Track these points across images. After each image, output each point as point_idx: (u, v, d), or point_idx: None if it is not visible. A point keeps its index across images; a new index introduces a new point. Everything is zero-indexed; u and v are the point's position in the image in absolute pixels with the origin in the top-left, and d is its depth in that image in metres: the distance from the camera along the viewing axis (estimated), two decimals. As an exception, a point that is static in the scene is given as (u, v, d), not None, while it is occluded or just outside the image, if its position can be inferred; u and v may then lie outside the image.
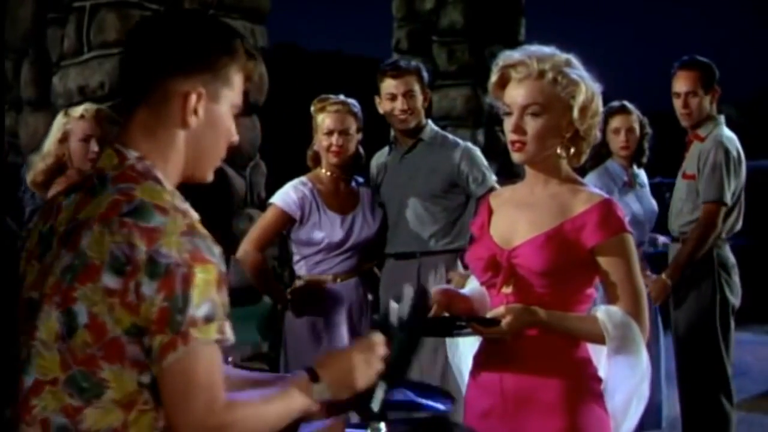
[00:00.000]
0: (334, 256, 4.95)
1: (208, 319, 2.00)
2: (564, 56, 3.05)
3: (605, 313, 2.98)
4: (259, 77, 7.05)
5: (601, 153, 5.84)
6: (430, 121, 5.27)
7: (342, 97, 5.02)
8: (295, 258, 5.07)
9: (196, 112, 2.16)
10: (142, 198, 2.04)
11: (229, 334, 2.05)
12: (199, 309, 1.98)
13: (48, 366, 2.03)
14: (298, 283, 5.02)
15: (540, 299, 2.99)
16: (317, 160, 5.07)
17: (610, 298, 3.03)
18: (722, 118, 5.68)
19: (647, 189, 6.02)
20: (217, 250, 2.06)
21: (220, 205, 5.18)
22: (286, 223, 4.96)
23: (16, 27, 6.92)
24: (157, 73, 2.16)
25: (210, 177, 2.28)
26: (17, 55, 7.02)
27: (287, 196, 4.95)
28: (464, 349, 3.34)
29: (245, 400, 2.13)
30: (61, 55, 6.52)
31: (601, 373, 3.09)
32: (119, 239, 1.98)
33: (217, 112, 2.21)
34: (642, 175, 6.02)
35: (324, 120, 4.94)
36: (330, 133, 4.92)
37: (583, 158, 3.13)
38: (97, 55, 6.18)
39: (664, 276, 5.57)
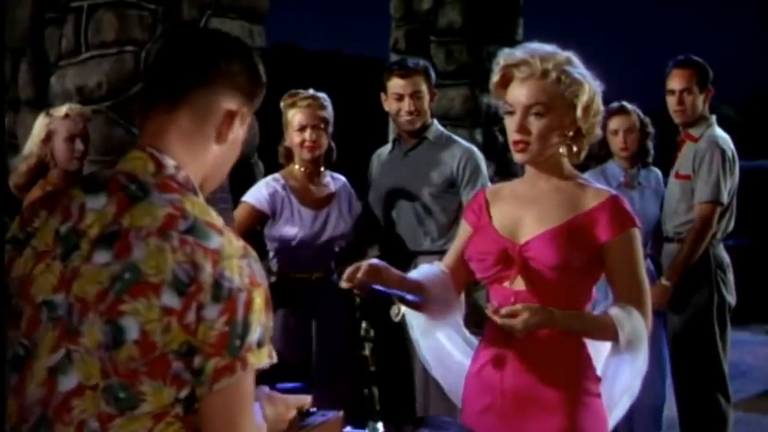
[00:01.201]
0: (307, 252, 4.93)
1: (260, 344, 2.01)
2: (565, 54, 3.07)
3: (623, 312, 3.01)
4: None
5: (601, 154, 5.85)
6: (435, 121, 5.26)
7: (312, 91, 5.00)
8: (270, 254, 5.06)
9: (234, 130, 2.19)
10: (195, 215, 2.03)
11: (275, 357, 2.07)
12: (255, 334, 2.00)
13: (91, 372, 2.00)
14: (272, 279, 5.00)
15: (550, 294, 3.00)
16: (290, 156, 5.05)
17: (618, 293, 3.08)
18: (714, 119, 5.70)
19: (652, 189, 5.97)
20: (264, 273, 2.07)
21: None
22: (258, 219, 4.95)
23: (14, 27, 6.90)
24: (211, 75, 2.16)
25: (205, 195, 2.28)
26: (15, 55, 7.00)
27: (258, 193, 4.95)
28: (424, 342, 3.31)
29: (261, 421, 2.21)
30: (59, 55, 6.51)
31: (598, 366, 3.11)
32: (182, 258, 1.96)
33: (240, 135, 2.24)
34: (650, 174, 5.97)
35: (295, 115, 4.92)
36: (303, 128, 4.91)
37: (582, 155, 3.14)
38: (95, 55, 6.17)
39: (663, 281, 5.58)
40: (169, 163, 2.12)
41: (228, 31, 6.96)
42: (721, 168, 5.52)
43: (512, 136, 3.07)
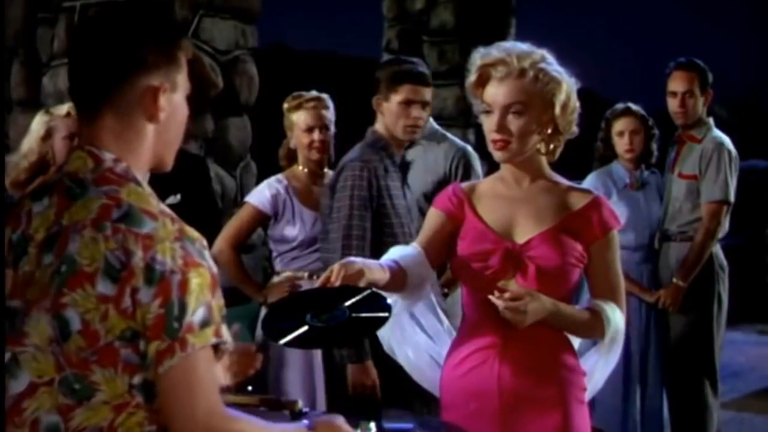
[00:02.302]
0: (309, 253, 4.91)
1: (204, 324, 2.00)
2: (540, 52, 3.07)
3: (610, 310, 3.05)
4: (249, 77, 7.05)
5: (605, 155, 5.85)
6: (431, 119, 5.24)
7: (315, 92, 5.00)
8: (273, 254, 5.06)
9: (163, 105, 2.15)
10: (130, 202, 2.03)
11: (227, 337, 2.06)
12: (195, 314, 1.99)
13: (43, 368, 2.02)
14: (276, 279, 5.00)
15: (545, 292, 2.99)
16: (291, 158, 5.04)
17: (598, 289, 3.11)
18: (712, 121, 5.74)
19: (654, 190, 5.96)
20: (207, 252, 2.06)
21: (207, 206, 5.14)
22: (260, 220, 4.96)
23: (6, 27, 6.90)
24: (121, 73, 2.12)
25: (171, 165, 2.26)
26: (7, 55, 7.01)
27: (261, 194, 4.95)
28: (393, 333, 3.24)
29: (248, 419, 2.13)
30: (52, 55, 6.51)
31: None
32: (113, 245, 1.98)
33: (177, 101, 2.21)
34: (651, 175, 5.96)
35: (302, 117, 4.91)
36: (310, 129, 4.89)
37: (558, 153, 3.14)
38: (88, 55, 6.15)
39: (675, 280, 5.60)
40: (108, 156, 2.12)
41: (220, 31, 6.97)
42: (728, 168, 5.59)
43: (491, 135, 3.07)
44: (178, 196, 4.58)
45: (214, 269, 2.06)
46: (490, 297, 2.93)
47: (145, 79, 2.13)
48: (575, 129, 3.13)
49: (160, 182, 2.31)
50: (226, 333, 2.06)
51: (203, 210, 4.91)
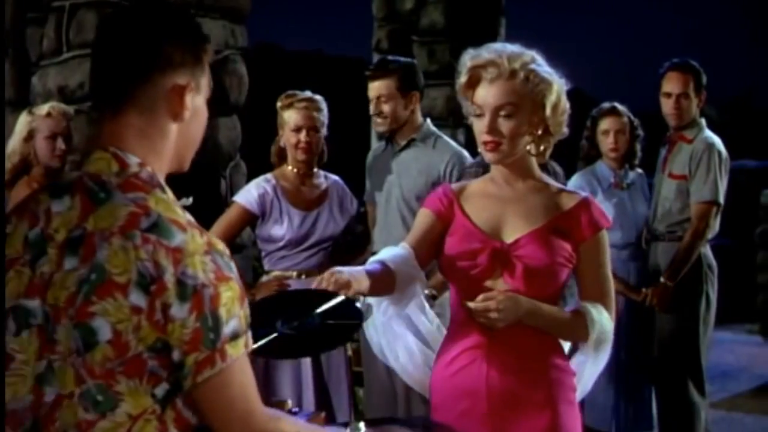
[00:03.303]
0: (296, 253, 4.94)
1: (236, 336, 2.01)
2: (530, 53, 3.07)
3: (596, 312, 3.05)
4: (239, 77, 7.04)
5: (591, 155, 5.87)
6: (428, 121, 5.24)
7: (309, 93, 5.01)
8: (262, 254, 5.08)
9: (188, 105, 2.14)
10: (159, 212, 2.01)
11: (251, 344, 2.08)
12: (227, 326, 2.00)
13: (66, 380, 2.00)
14: (265, 278, 5.01)
15: (532, 293, 3.00)
16: (282, 157, 5.05)
17: (586, 290, 3.12)
18: (704, 121, 5.75)
19: (639, 189, 5.98)
20: (233, 264, 2.07)
21: (217, 208, 5.16)
22: (248, 220, 4.98)
23: (-4, 27, 6.89)
24: (148, 68, 2.11)
25: (188, 167, 2.26)
26: (-3, 54, 6.99)
27: (248, 193, 4.97)
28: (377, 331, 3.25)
29: (287, 418, 2.19)
30: (41, 55, 6.48)
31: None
32: (144, 256, 1.95)
33: (200, 104, 2.20)
34: (636, 175, 5.99)
35: (292, 116, 4.92)
36: (298, 129, 4.91)
37: (548, 154, 3.15)
38: (77, 55, 6.14)
39: (663, 280, 5.61)
40: (133, 161, 2.10)
41: (209, 30, 6.95)
42: (718, 169, 5.61)
43: (482, 137, 3.07)
44: (191, 199, 4.60)
45: (240, 282, 2.07)
46: (467, 303, 2.94)
47: (171, 78, 2.12)
48: (565, 130, 3.14)
49: (172, 184, 2.30)
50: (251, 341, 2.08)
51: (213, 212, 4.93)
